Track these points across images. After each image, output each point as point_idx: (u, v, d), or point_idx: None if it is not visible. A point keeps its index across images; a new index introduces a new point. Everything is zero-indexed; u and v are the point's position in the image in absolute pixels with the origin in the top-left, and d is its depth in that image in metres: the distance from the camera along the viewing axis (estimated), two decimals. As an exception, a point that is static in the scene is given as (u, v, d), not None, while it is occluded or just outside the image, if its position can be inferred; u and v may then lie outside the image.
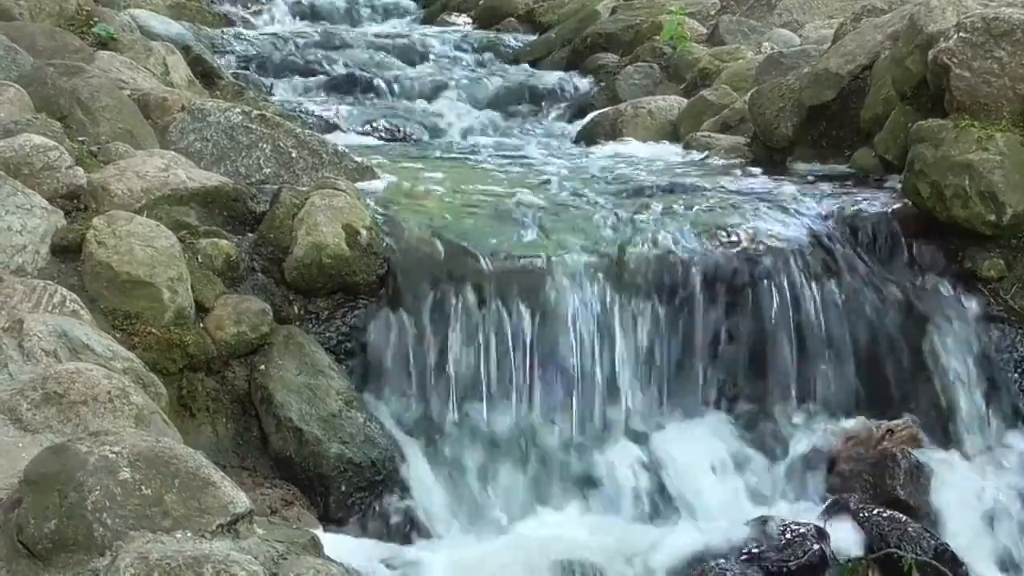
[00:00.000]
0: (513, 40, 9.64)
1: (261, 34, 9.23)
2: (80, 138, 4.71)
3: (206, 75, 7.06)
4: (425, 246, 4.43)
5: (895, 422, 4.35)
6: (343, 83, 8.17)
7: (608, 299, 4.38)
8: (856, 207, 4.88)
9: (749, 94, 6.12)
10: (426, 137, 7.36)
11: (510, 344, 4.28)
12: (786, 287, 4.51)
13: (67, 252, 4.00)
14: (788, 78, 5.87)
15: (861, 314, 4.55)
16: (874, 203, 4.92)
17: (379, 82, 8.22)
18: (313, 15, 10.47)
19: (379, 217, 4.52)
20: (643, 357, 4.39)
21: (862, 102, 5.51)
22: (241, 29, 9.41)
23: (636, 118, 6.90)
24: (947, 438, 4.44)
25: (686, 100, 6.99)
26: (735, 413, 4.44)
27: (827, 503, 4.13)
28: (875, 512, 3.98)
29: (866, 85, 5.53)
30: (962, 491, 4.24)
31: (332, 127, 7.09)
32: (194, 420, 3.96)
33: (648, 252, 4.51)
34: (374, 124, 7.36)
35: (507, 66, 8.99)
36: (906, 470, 4.17)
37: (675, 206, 4.87)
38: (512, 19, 10.33)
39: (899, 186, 4.94)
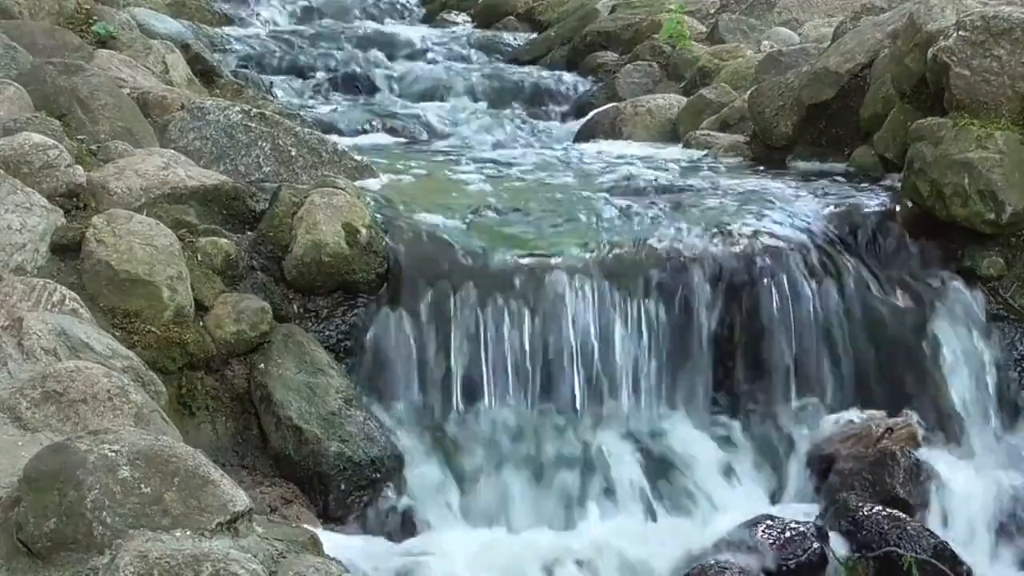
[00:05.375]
0: (512, 39, 9.64)
1: (261, 33, 9.22)
2: (79, 136, 4.70)
3: (205, 73, 7.06)
4: (425, 244, 4.43)
5: (894, 420, 4.35)
6: (342, 82, 8.17)
7: (607, 297, 4.38)
8: (856, 206, 4.88)
9: (748, 92, 6.12)
10: (425, 136, 7.35)
11: (510, 342, 4.28)
12: (786, 285, 4.51)
13: (66, 250, 4.00)
14: (788, 76, 5.87)
15: (860, 312, 4.55)
16: (873, 201, 4.92)
17: (379, 81, 8.22)
18: (313, 14, 10.46)
19: (379, 215, 4.52)
20: (642, 355, 4.39)
21: (861, 100, 5.51)
22: (241, 27, 9.41)
23: (636, 116, 6.90)
24: (947, 436, 4.44)
25: (685, 98, 6.98)
26: (734, 411, 4.44)
27: (827, 502, 4.13)
28: (875, 510, 3.98)
29: (865, 84, 5.53)
30: (962, 489, 4.24)
31: (331, 126, 7.08)
32: (194, 419, 3.96)
33: (647, 251, 4.51)
34: (373, 123, 7.36)
35: (506, 65, 8.99)
36: (906, 468, 4.17)
37: (674, 205, 4.87)
38: (511, 18, 10.33)
39: (898, 185, 4.94)
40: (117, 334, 3.79)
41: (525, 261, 4.41)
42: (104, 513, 2.56)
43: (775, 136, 5.76)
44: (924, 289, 4.64)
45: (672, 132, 6.70)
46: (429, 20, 10.83)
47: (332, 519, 3.87)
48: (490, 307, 4.29)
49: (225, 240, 4.26)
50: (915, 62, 5.03)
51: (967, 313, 4.59)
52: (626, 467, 4.20)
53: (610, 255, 4.48)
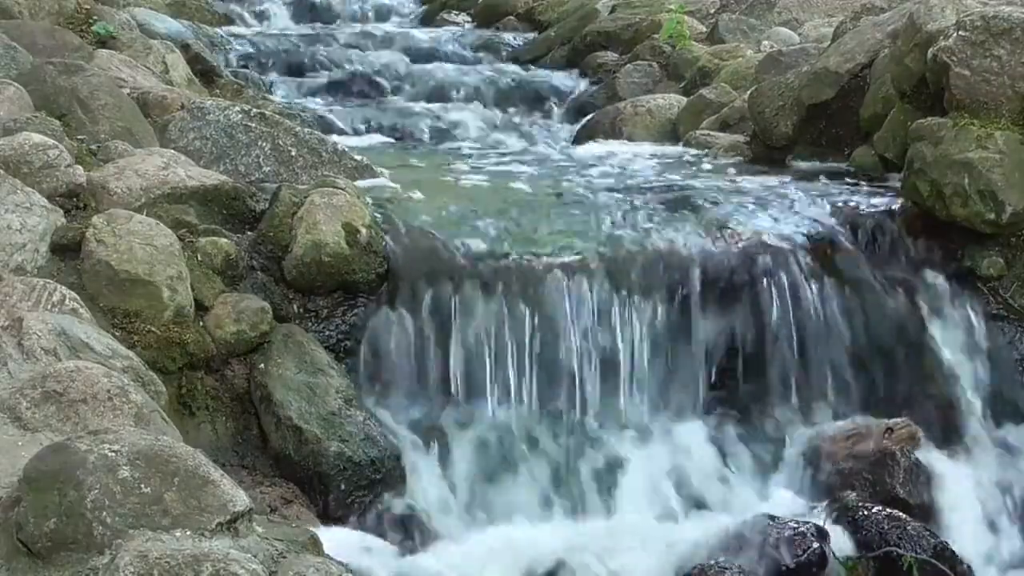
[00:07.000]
0: (512, 39, 9.63)
1: (261, 32, 9.22)
2: (79, 136, 4.70)
3: (205, 73, 7.06)
4: (425, 244, 4.43)
5: (894, 420, 4.35)
6: (343, 82, 8.16)
7: (607, 297, 4.38)
8: (856, 206, 4.88)
9: (749, 92, 6.12)
10: (426, 136, 7.35)
11: (509, 342, 4.28)
12: (786, 286, 4.51)
13: (66, 250, 4.00)
14: (788, 76, 5.87)
15: (860, 312, 4.55)
16: (874, 202, 4.92)
17: (379, 81, 8.21)
18: (313, 14, 10.46)
19: (379, 215, 4.52)
20: (642, 355, 4.39)
21: (861, 100, 5.52)
22: (241, 27, 9.40)
23: (636, 116, 6.90)
24: (946, 436, 4.44)
25: (685, 99, 6.98)
26: (734, 411, 4.44)
27: (827, 502, 4.13)
28: (875, 511, 3.98)
29: (865, 84, 5.53)
30: (961, 489, 4.24)
31: (331, 126, 7.08)
32: (194, 419, 3.96)
33: (647, 250, 4.51)
34: (373, 123, 7.36)
35: (506, 65, 8.98)
36: (905, 468, 4.18)
37: (674, 204, 4.87)
38: (511, 18, 10.32)
39: (899, 185, 4.94)
40: (117, 334, 3.79)
41: (525, 261, 4.41)
42: (104, 513, 2.56)
43: (775, 136, 5.76)
44: (924, 289, 4.64)
45: (672, 132, 6.71)
46: (429, 20, 10.81)
47: (332, 519, 3.87)
48: (490, 307, 4.29)
49: (225, 240, 4.26)
50: (915, 62, 5.03)
51: (967, 313, 4.59)
52: (626, 467, 4.20)
53: (610, 255, 4.48)
